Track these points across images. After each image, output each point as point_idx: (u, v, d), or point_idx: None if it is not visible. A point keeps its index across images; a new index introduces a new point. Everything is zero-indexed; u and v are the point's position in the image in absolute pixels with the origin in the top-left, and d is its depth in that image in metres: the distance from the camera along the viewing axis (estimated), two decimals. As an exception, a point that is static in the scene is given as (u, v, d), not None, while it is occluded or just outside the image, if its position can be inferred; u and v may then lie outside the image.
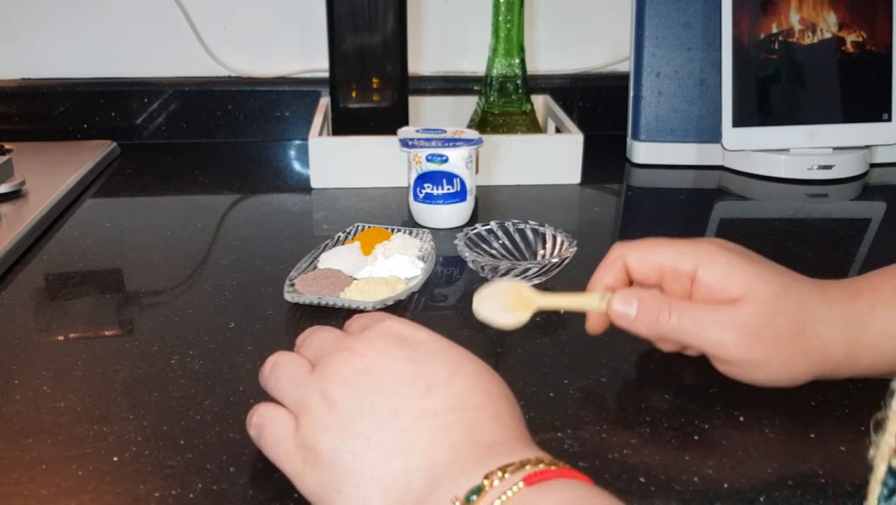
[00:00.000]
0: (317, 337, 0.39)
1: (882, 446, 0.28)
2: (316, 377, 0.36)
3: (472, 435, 0.32)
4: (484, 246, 0.62)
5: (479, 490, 0.29)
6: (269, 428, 0.36)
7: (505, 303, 0.45)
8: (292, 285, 0.56)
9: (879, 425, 0.29)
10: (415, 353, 0.35)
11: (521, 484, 0.29)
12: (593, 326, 0.47)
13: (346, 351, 0.36)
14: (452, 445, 0.32)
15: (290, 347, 0.51)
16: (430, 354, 0.36)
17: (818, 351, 0.41)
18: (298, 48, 0.99)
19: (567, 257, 0.58)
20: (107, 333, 0.52)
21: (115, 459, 0.39)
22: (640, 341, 0.50)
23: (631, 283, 0.46)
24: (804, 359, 0.41)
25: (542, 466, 0.30)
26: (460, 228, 0.67)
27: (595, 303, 0.45)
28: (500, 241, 0.63)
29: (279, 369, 0.38)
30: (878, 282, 0.43)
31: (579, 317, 0.54)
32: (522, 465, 0.30)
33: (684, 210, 0.79)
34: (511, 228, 0.63)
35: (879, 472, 0.28)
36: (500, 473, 0.30)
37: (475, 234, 0.62)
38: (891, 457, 0.28)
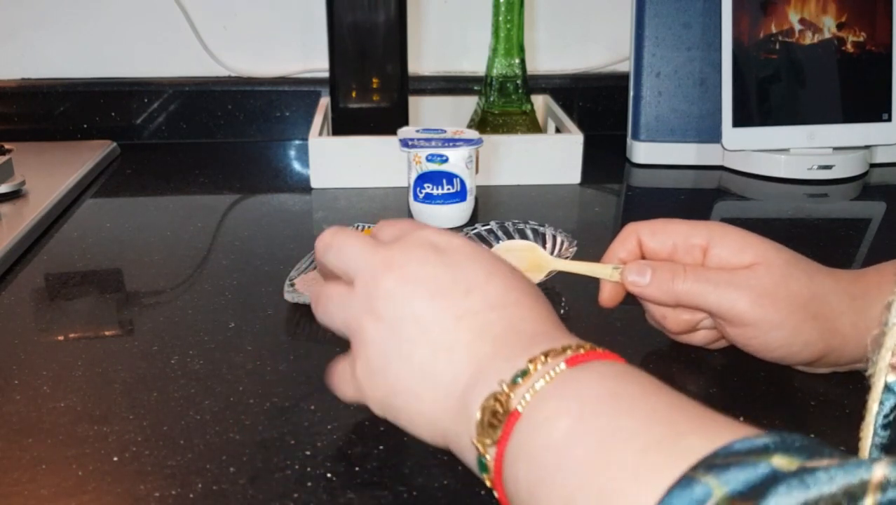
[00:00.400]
0: (348, 249, 0.38)
1: (879, 363, 0.29)
2: (360, 297, 0.36)
3: (514, 327, 0.34)
4: (484, 246, 0.62)
5: (524, 373, 0.31)
6: (332, 365, 0.39)
7: (520, 263, 0.47)
8: (292, 285, 0.56)
9: (877, 343, 0.29)
10: (451, 258, 0.36)
11: (563, 365, 0.31)
12: (607, 298, 0.48)
13: (384, 264, 0.36)
14: (496, 338, 0.34)
15: (290, 347, 0.51)
16: (465, 258, 0.36)
17: (829, 318, 0.42)
18: (298, 48, 0.99)
19: (567, 257, 0.58)
20: (107, 333, 0.52)
21: (115, 459, 0.39)
22: (640, 342, 0.50)
23: (643, 258, 0.47)
24: (815, 325, 0.42)
25: (582, 350, 0.32)
26: (460, 228, 0.67)
27: (608, 272, 0.46)
28: (500, 241, 0.63)
29: (325, 300, 0.39)
30: (882, 266, 0.44)
31: (579, 317, 0.54)
32: (564, 349, 0.32)
33: (684, 210, 0.79)
34: (511, 228, 0.63)
35: (877, 389, 0.29)
36: (543, 358, 0.31)
37: (475, 234, 0.62)
38: (888, 373, 0.28)
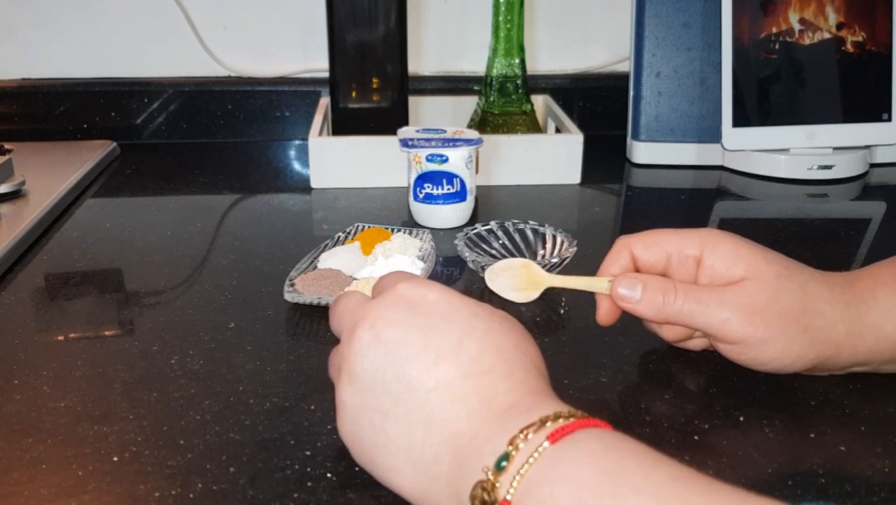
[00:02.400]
0: (341, 304, 0.39)
1: None
2: (339, 354, 0.37)
3: (488, 401, 0.32)
4: (484, 246, 0.62)
5: (506, 456, 0.29)
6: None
7: (515, 281, 0.46)
8: (292, 285, 0.56)
9: None
10: (424, 318, 0.35)
11: (545, 444, 0.29)
12: (604, 316, 0.47)
13: (358, 324, 0.36)
14: (470, 415, 0.32)
15: (290, 347, 0.51)
16: (439, 318, 0.35)
17: (821, 330, 0.42)
18: (298, 48, 0.99)
19: (567, 257, 0.58)
20: (107, 333, 0.52)
21: (115, 459, 0.39)
22: (640, 342, 0.50)
23: (636, 272, 0.47)
24: (807, 337, 0.42)
25: (561, 420, 0.30)
26: (460, 228, 0.67)
27: (603, 285, 0.46)
28: (500, 241, 0.63)
29: (343, 303, 0.39)
30: (876, 270, 0.44)
31: (579, 317, 0.54)
32: (543, 422, 0.30)
33: (684, 210, 0.79)
34: (511, 228, 0.63)
35: None
36: (522, 436, 0.30)
37: (475, 234, 0.62)
38: None
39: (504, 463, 0.29)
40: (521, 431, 0.30)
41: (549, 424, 0.30)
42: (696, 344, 0.48)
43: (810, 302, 0.42)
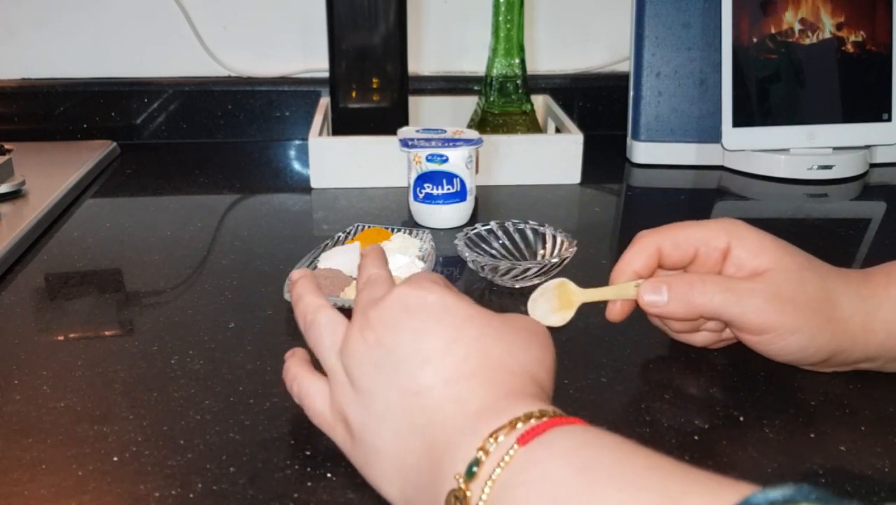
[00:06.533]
0: (361, 293, 0.39)
1: None
2: (342, 351, 0.37)
3: (463, 407, 0.32)
4: (484, 246, 0.62)
5: (476, 462, 0.29)
6: (308, 401, 0.39)
7: (552, 304, 0.47)
8: (292, 285, 0.56)
9: None
10: (418, 322, 0.35)
11: (515, 446, 0.29)
12: (617, 313, 0.47)
13: (360, 325, 0.36)
14: (445, 421, 0.32)
15: (290, 347, 0.51)
16: (433, 321, 0.35)
17: (841, 321, 0.42)
18: (298, 48, 0.99)
19: (567, 257, 0.58)
20: (107, 333, 0.52)
21: (115, 459, 0.39)
22: (640, 342, 0.50)
23: (656, 268, 0.47)
24: (830, 327, 0.42)
25: (533, 420, 0.30)
26: (460, 228, 0.67)
27: (631, 291, 0.46)
28: (500, 241, 0.63)
29: (317, 330, 0.38)
30: (889, 267, 0.44)
31: (579, 317, 0.54)
32: (513, 424, 0.30)
33: (684, 210, 0.79)
34: (511, 228, 0.63)
35: None
36: (492, 440, 0.29)
37: (475, 234, 0.62)
38: None
39: (475, 469, 0.29)
40: (491, 435, 0.30)
41: (519, 425, 0.30)
42: (701, 338, 0.48)
43: (831, 293, 0.42)
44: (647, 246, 0.46)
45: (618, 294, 0.46)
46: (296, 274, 0.43)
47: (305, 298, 0.41)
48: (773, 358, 0.44)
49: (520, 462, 0.28)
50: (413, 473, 0.32)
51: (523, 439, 0.29)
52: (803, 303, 0.42)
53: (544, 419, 0.30)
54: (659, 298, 0.44)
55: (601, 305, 0.49)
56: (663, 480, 0.26)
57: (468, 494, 0.29)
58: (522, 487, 0.28)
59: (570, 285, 0.48)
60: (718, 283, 0.43)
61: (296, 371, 0.40)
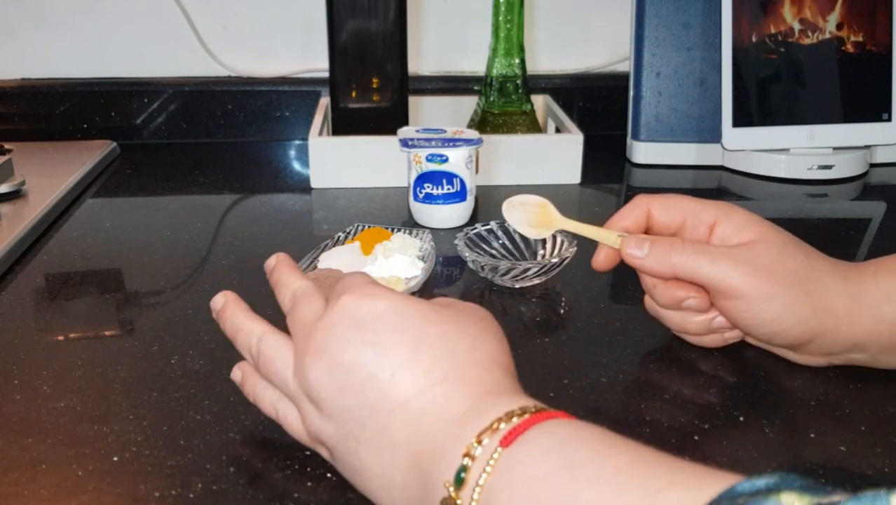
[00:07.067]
0: (296, 312, 0.37)
1: None
2: (297, 377, 0.35)
3: (442, 413, 0.31)
4: (484, 246, 0.62)
5: (464, 469, 0.29)
6: (285, 423, 0.38)
7: (530, 217, 0.48)
8: (292, 285, 0.56)
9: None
10: (373, 335, 0.33)
11: (499, 449, 0.28)
12: (602, 262, 0.48)
13: (313, 348, 0.34)
14: (427, 432, 0.31)
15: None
16: (390, 330, 0.33)
17: (823, 297, 0.43)
18: (298, 48, 0.99)
19: (567, 257, 0.58)
20: (107, 333, 0.52)
21: (115, 459, 0.39)
22: (640, 342, 0.50)
23: (646, 231, 0.48)
24: (808, 302, 0.42)
25: (515, 419, 0.29)
26: (460, 228, 0.67)
27: (613, 239, 0.47)
28: (500, 241, 0.63)
29: (266, 364, 0.37)
30: (881, 259, 0.45)
31: (579, 317, 0.54)
32: (495, 427, 0.29)
33: (684, 210, 0.79)
34: (511, 228, 0.63)
35: None
36: (476, 444, 0.29)
37: (475, 234, 0.62)
38: None
39: (463, 475, 0.29)
40: (476, 439, 0.29)
41: (501, 426, 0.29)
42: (694, 327, 0.48)
43: (813, 271, 0.43)
44: (638, 205, 0.48)
45: (599, 236, 0.48)
46: (218, 300, 0.41)
47: (242, 327, 0.39)
48: (751, 331, 0.45)
49: (504, 464, 0.28)
50: (401, 487, 0.32)
51: (506, 441, 0.29)
52: (780, 272, 0.42)
53: (526, 416, 0.30)
54: (639, 252, 0.45)
55: (604, 311, 0.49)
56: (645, 475, 0.26)
57: (458, 501, 0.29)
58: (507, 490, 0.28)
59: (552, 209, 0.50)
60: (696, 245, 0.44)
61: (264, 396, 0.39)
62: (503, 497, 0.28)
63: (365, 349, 0.33)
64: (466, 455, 0.29)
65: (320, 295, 0.37)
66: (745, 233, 0.44)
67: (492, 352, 0.35)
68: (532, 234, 0.52)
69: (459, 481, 0.29)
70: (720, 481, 0.24)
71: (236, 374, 0.41)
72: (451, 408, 0.31)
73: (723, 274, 0.43)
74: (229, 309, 0.40)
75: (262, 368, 0.38)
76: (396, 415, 0.32)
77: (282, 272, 0.40)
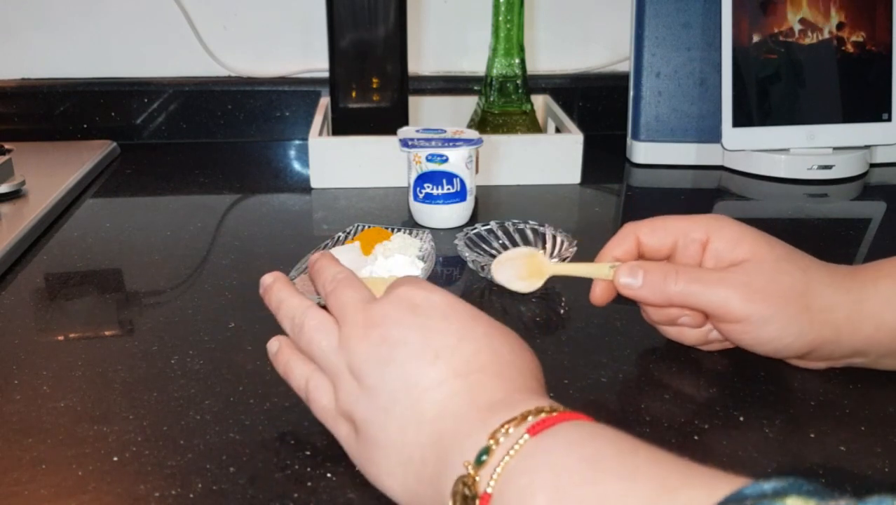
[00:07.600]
0: (342, 294, 0.38)
1: None
2: (342, 350, 0.36)
3: (474, 399, 0.33)
4: (484, 246, 0.62)
5: (487, 450, 0.30)
6: (314, 395, 0.38)
7: (520, 271, 0.48)
8: (292, 285, 0.56)
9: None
10: (426, 319, 0.35)
11: (526, 436, 0.29)
12: (598, 296, 0.48)
13: (364, 323, 0.36)
14: (456, 413, 0.32)
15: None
16: (440, 318, 0.35)
17: (822, 311, 0.42)
18: (298, 48, 0.99)
19: (567, 257, 0.58)
20: (107, 333, 0.52)
21: (115, 459, 0.39)
22: (640, 342, 0.50)
23: (639, 258, 0.47)
24: (807, 317, 0.42)
25: (543, 414, 0.30)
26: (460, 228, 0.67)
27: (605, 271, 0.46)
28: (500, 241, 0.63)
29: (310, 333, 0.38)
30: (880, 263, 0.44)
31: (579, 317, 0.54)
32: (524, 417, 0.30)
33: (684, 210, 0.79)
34: (511, 228, 0.63)
35: None
36: (503, 430, 0.30)
37: (475, 234, 0.62)
38: None
39: (484, 457, 0.30)
40: (503, 426, 0.30)
41: (530, 418, 0.30)
42: (692, 337, 0.48)
43: (811, 284, 0.43)
44: (627, 234, 0.47)
45: (591, 272, 0.47)
46: (268, 278, 0.43)
47: (288, 300, 0.40)
48: (752, 349, 0.44)
49: (528, 451, 0.29)
50: (418, 465, 0.33)
51: (534, 430, 0.30)
52: (775, 292, 0.42)
53: (554, 413, 0.31)
54: (634, 282, 0.44)
55: (604, 311, 0.49)
56: (663, 472, 0.27)
57: (477, 479, 0.29)
58: (528, 474, 0.28)
59: (541, 256, 0.49)
60: (690, 273, 0.43)
61: (297, 367, 0.40)
62: (523, 481, 0.28)
63: (415, 329, 0.35)
64: (491, 438, 0.30)
65: (362, 283, 0.39)
66: (738, 250, 0.44)
67: (529, 364, 0.36)
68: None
69: (480, 462, 0.30)
70: (731, 484, 0.24)
71: (273, 344, 0.41)
72: (484, 395, 0.33)
73: (719, 301, 0.43)
74: (277, 285, 0.42)
75: (304, 338, 0.38)
76: (430, 393, 0.33)
77: (325, 262, 0.42)
